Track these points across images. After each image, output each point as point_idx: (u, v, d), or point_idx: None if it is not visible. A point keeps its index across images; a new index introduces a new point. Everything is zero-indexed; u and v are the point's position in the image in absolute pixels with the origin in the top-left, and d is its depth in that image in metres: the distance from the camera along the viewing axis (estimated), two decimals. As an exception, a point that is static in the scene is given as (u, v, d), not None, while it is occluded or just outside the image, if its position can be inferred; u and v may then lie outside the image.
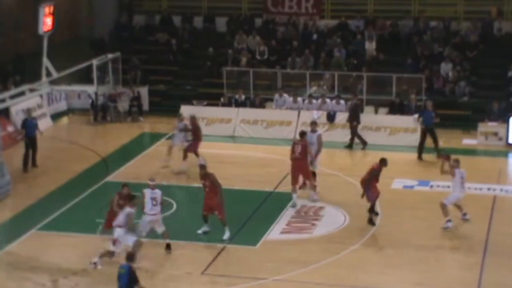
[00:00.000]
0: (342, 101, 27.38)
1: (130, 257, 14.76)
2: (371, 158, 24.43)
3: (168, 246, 18.15)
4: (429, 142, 26.44)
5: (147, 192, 17.94)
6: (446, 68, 29.27)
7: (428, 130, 24.97)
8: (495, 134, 26.35)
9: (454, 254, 18.30)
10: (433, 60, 29.82)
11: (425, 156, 25.03)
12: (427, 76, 28.67)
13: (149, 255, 17.98)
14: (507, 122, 26.15)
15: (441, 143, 26.05)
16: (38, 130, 24.38)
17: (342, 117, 26.61)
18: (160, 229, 18.13)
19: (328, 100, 27.28)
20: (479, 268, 17.47)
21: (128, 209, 17.14)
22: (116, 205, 17.96)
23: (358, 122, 26.05)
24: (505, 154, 25.68)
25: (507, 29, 30.74)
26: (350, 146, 25.99)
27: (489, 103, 26.96)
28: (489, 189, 22.18)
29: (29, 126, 24.09)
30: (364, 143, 25.95)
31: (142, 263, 17.40)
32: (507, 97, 28.09)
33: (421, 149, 24.97)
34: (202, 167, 19.18)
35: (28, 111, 25.18)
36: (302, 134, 21.18)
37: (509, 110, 26.77)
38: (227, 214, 20.60)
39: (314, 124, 22.04)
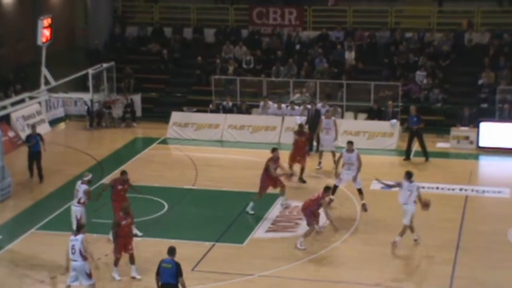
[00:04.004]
0: (327, 106, 27.34)
1: (172, 251, 14.54)
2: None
3: None
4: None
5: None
6: (420, 76, 29.39)
7: (413, 133, 25.02)
8: (467, 138, 26.46)
9: (429, 251, 18.34)
10: (409, 68, 29.93)
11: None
12: (403, 84, 28.77)
13: (141, 253, 17.95)
14: (478, 127, 26.27)
15: (416, 147, 26.14)
16: (43, 145, 23.41)
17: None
18: (73, 221, 18.09)
19: (309, 106, 27.19)
20: (452, 264, 17.55)
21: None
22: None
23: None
24: (476, 157, 25.79)
25: (477, 40, 30.89)
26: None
27: (461, 109, 27.10)
28: (461, 189, 22.27)
29: (33, 142, 23.38)
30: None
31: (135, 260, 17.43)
32: (478, 103, 28.22)
33: (408, 151, 25.07)
34: (125, 172, 18.85)
35: (33, 127, 24.33)
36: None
37: (480, 116, 26.90)
38: (216, 213, 20.68)
39: (350, 143, 20.96)
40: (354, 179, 20.49)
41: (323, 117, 24.82)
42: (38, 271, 17.36)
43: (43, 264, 17.71)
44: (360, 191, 20.54)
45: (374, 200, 21.08)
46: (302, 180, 22.75)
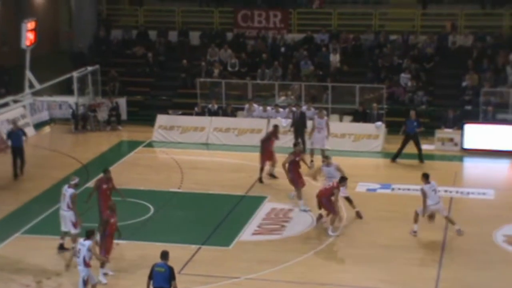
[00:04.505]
0: (312, 109, 27.32)
1: (166, 255, 14.61)
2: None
3: (61, 246, 18.06)
4: (392, 148, 26.75)
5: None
6: (405, 78, 29.49)
7: (410, 137, 25.06)
8: (451, 140, 26.59)
9: (414, 252, 18.41)
10: (393, 71, 30.04)
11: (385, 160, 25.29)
12: (387, 86, 28.88)
13: (127, 256, 17.91)
14: (462, 128, 26.41)
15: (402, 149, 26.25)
16: (25, 138, 23.81)
17: (309, 124, 26.56)
18: (66, 227, 17.96)
19: (294, 109, 27.18)
20: (437, 265, 17.62)
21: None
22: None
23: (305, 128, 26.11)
24: (460, 159, 25.93)
25: (460, 42, 31.06)
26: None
27: (445, 111, 27.22)
28: (446, 191, 22.33)
29: (14, 138, 23.62)
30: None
31: (121, 263, 17.38)
32: (462, 105, 28.37)
33: (398, 153, 25.09)
34: (108, 170, 19.01)
35: (14, 122, 24.58)
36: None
37: (464, 118, 27.03)
38: (202, 216, 20.67)
39: (327, 158, 21.03)
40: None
41: (315, 116, 25.07)
42: (24, 275, 17.25)
43: (29, 268, 17.61)
44: (348, 199, 20.39)
45: (359, 203, 21.07)
46: (272, 176, 23.06)
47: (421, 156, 25.05)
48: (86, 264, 15.47)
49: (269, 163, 23.30)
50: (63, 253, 17.94)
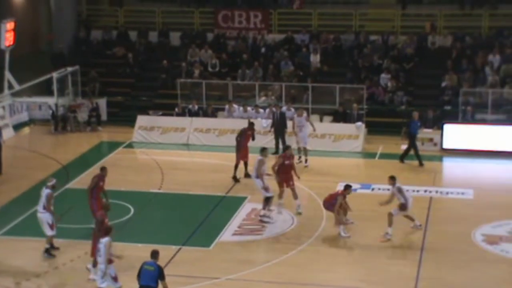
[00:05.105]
0: (292, 109, 27.38)
1: (156, 254, 14.67)
2: (318, 163, 24.72)
3: (47, 250, 17.97)
4: (372, 148, 26.86)
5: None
6: (385, 79, 29.62)
7: (414, 137, 25.05)
8: (431, 140, 26.74)
9: (395, 252, 18.50)
10: (373, 71, 30.16)
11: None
12: (367, 86, 28.99)
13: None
14: (441, 129, 26.57)
15: (381, 149, 26.39)
16: (2, 138, 23.85)
17: (289, 124, 26.63)
18: (43, 228, 17.91)
19: (274, 109, 27.19)
20: (417, 264, 17.72)
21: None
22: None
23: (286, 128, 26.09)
24: (440, 159, 26.08)
25: (440, 42, 31.25)
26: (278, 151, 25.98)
27: (425, 112, 27.35)
28: (425, 191, 22.48)
29: None
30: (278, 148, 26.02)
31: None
32: (441, 105, 28.53)
33: (418, 156, 24.98)
34: (104, 168, 19.15)
35: None
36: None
37: (443, 118, 27.20)
38: (183, 217, 20.66)
39: (264, 150, 20.92)
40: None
41: (295, 115, 25.19)
42: (4, 277, 17.15)
43: (8, 270, 17.52)
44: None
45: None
46: (248, 175, 23.01)
47: (403, 157, 25.16)
48: (108, 261, 15.47)
49: (243, 162, 23.22)
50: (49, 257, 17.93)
